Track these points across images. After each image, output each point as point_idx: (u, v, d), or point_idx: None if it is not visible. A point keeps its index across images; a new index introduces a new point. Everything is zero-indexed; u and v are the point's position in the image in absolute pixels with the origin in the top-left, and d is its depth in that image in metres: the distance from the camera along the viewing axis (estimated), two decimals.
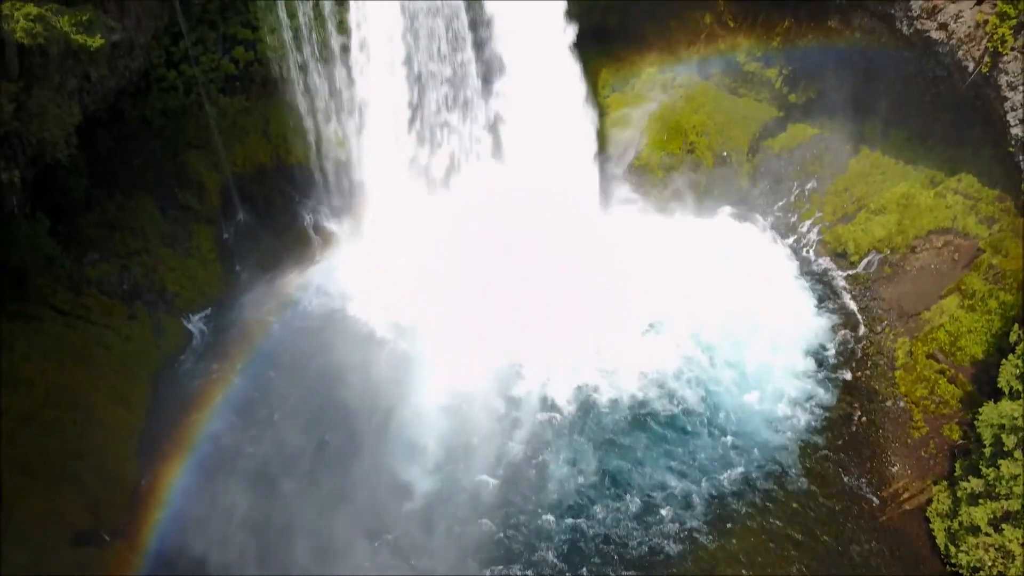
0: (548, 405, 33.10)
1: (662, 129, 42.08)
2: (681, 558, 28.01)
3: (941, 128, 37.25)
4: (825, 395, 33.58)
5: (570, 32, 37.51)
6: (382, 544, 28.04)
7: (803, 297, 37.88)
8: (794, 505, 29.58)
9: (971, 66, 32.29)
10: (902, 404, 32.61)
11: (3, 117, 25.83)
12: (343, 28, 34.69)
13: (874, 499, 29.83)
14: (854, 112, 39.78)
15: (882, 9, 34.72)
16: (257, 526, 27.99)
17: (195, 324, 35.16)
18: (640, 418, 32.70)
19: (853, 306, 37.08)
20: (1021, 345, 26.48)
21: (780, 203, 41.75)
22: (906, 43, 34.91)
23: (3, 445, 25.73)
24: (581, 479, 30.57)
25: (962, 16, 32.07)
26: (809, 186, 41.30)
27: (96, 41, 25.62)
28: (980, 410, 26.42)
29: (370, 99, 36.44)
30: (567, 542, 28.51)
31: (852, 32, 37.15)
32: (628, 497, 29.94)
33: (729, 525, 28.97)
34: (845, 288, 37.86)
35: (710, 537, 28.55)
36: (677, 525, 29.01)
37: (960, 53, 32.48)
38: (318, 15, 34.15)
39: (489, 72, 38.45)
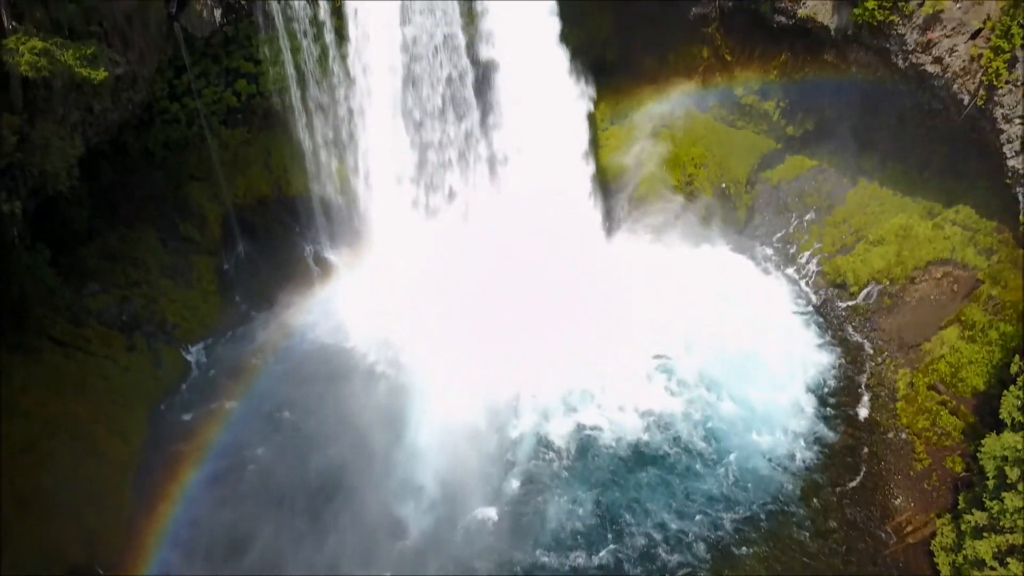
0: (546, 443, 32.72)
1: (661, 161, 42.33)
2: None
3: (938, 160, 37.47)
4: (827, 429, 33.34)
5: (573, 84, 38.41)
6: None
7: (803, 329, 37.81)
8: (797, 541, 29.24)
9: (966, 99, 32.59)
10: (904, 436, 32.40)
11: (6, 149, 26.05)
12: (344, 62, 35.11)
13: (878, 533, 29.52)
14: (852, 144, 40.07)
15: (877, 43, 35.11)
16: (252, 562, 27.67)
17: (194, 355, 35.11)
18: (641, 457, 32.29)
19: (853, 337, 36.99)
20: (1022, 376, 26.35)
21: (779, 234, 41.88)
22: (902, 76, 35.26)
23: (0, 476, 25.59)
24: (580, 519, 30.10)
25: (956, 50, 32.42)
26: (808, 217, 41.45)
27: (100, 74, 25.89)
28: (982, 442, 26.21)
29: (371, 132, 36.75)
30: None
31: (848, 66, 37.53)
32: (628, 537, 29.46)
33: (731, 564, 28.55)
34: (845, 319, 37.80)
35: None
36: (678, 566, 28.52)
37: (955, 86, 32.79)
38: (320, 49, 34.55)
39: (489, 106, 38.83)
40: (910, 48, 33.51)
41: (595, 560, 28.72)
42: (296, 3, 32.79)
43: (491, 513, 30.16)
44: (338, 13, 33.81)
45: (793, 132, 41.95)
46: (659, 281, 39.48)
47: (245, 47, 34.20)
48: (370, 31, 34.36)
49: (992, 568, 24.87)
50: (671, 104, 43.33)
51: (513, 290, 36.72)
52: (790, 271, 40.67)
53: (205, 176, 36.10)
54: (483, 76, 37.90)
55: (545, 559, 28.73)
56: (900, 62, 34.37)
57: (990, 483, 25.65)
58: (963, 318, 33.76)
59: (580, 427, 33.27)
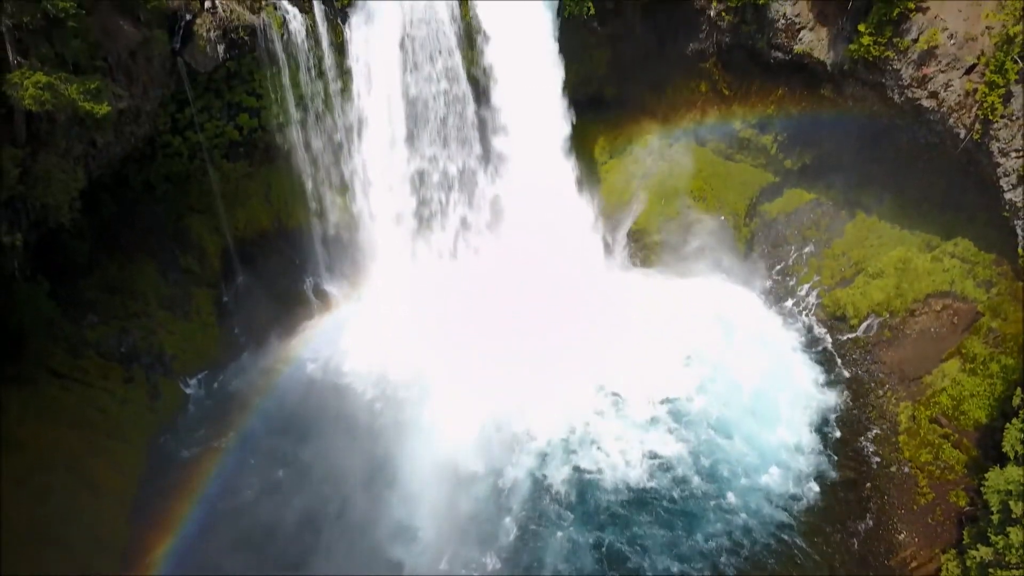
0: (545, 487, 32.27)
1: (660, 194, 42.56)
2: None
3: (936, 193, 37.64)
4: (830, 465, 33.06)
5: (567, 124, 38.89)
6: None
7: (804, 362, 37.67)
8: None
9: (963, 133, 32.83)
10: (907, 470, 32.12)
11: (8, 181, 26.15)
12: (346, 97, 35.48)
13: (883, 570, 29.10)
14: (849, 177, 40.32)
15: (873, 78, 35.48)
16: None
17: (192, 387, 34.99)
18: (643, 499, 31.84)
19: (854, 370, 36.84)
20: None
21: (778, 267, 41.93)
22: (898, 111, 35.57)
23: None
24: (579, 562, 29.61)
25: (951, 85, 32.75)
26: (807, 250, 41.54)
27: (103, 108, 26.05)
28: (986, 476, 25.93)
29: (371, 166, 37.03)
30: None
31: (845, 100, 37.90)
32: None
33: None
34: (845, 352, 37.69)
35: None
36: None
37: (952, 120, 33.06)
38: (322, 84, 34.93)
39: (489, 141, 39.15)
40: (906, 83, 33.86)
41: None
42: (298, 39, 33.23)
43: (490, 554, 29.76)
44: (340, 49, 34.25)
45: (791, 165, 42.21)
46: (659, 315, 39.41)
47: (247, 82, 34.56)
48: (372, 69, 34.81)
49: None
50: (670, 138, 43.69)
51: (512, 324, 36.70)
52: (790, 303, 40.63)
53: (206, 209, 36.27)
54: (483, 111, 38.33)
55: None
56: (896, 97, 34.70)
57: (995, 518, 25.33)
58: (964, 351, 33.66)
59: (579, 469, 32.83)
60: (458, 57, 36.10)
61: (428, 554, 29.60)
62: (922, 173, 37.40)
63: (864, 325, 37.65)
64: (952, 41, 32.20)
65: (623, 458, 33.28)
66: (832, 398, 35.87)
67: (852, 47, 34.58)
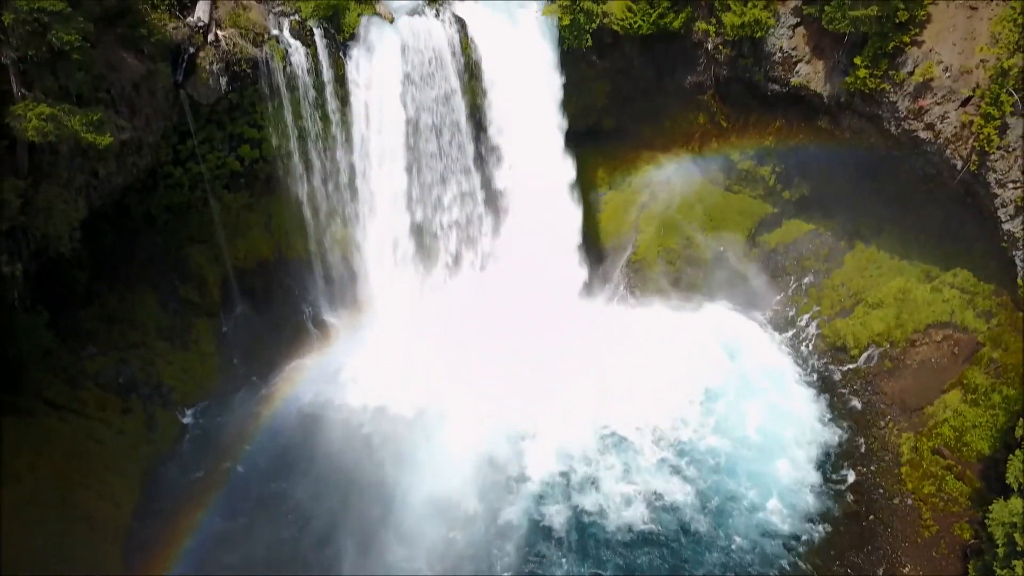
0: (543, 527, 31.79)
1: (659, 225, 42.70)
2: None
3: (934, 224, 37.74)
4: (832, 498, 32.82)
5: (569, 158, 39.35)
6: None
7: (805, 394, 37.48)
8: None
9: (959, 164, 33.04)
10: (910, 502, 31.85)
11: (9, 212, 26.26)
12: (347, 129, 35.76)
13: None
14: (848, 208, 40.44)
15: (870, 110, 35.80)
16: None
17: (190, 418, 34.74)
18: (645, 541, 31.34)
19: (856, 401, 36.67)
20: None
21: (778, 297, 41.92)
22: (895, 142, 35.83)
23: None
24: None
25: (948, 117, 33.03)
26: (806, 280, 41.55)
27: (105, 140, 26.20)
28: (990, 508, 25.70)
29: (371, 197, 37.21)
30: None
31: (842, 132, 38.19)
32: None
33: None
34: (847, 383, 37.52)
35: None
36: None
37: (948, 152, 33.28)
38: (323, 116, 35.23)
39: (490, 173, 39.41)
40: (902, 115, 34.15)
41: None
42: (300, 72, 33.58)
43: None
44: (341, 81, 34.59)
45: (790, 196, 42.39)
46: (659, 347, 39.24)
47: (249, 113, 34.82)
48: (373, 101, 35.13)
49: None
50: (668, 169, 43.91)
51: (511, 359, 36.65)
52: (790, 334, 40.56)
53: (206, 239, 36.32)
54: (484, 142, 38.63)
55: None
56: (893, 128, 34.97)
57: (1000, 551, 25.04)
58: (965, 381, 33.55)
59: (579, 510, 32.36)
60: (459, 90, 36.49)
61: None
62: (920, 204, 37.55)
63: (864, 356, 37.55)
64: (947, 74, 32.55)
65: (625, 499, 32.81)
66: (835, 430, 35.66)
67: (848, 80, 34.94)
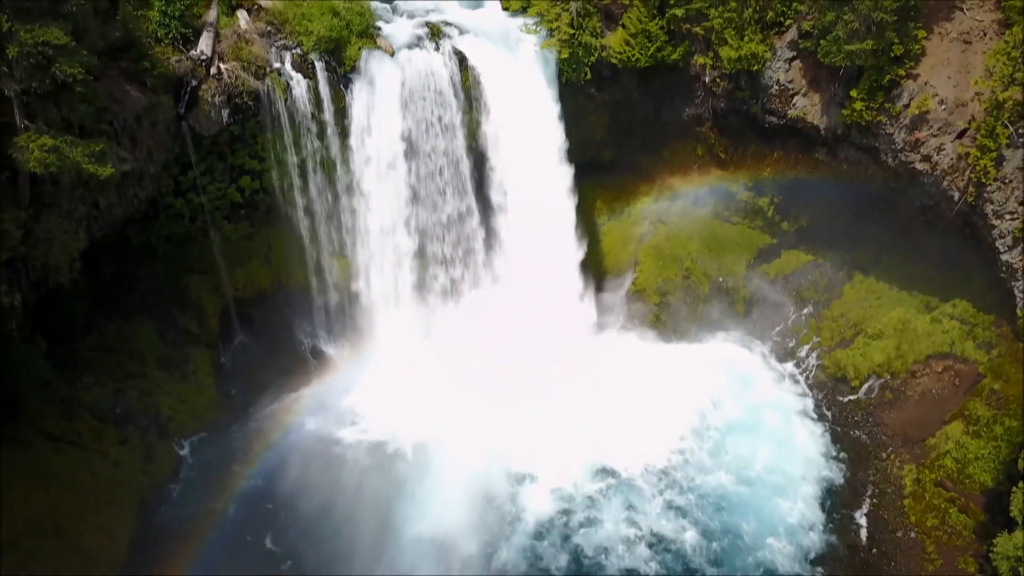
0: (541, 570, 31.26)
1: (658, 256, 42.78)
2: None
3: (933, 254, 37.81)
4: (836, 533, 32.48)
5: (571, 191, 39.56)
6: None
7: (807, 427, 37.23)
8: None
9: (957, 196, 33.19)
10: (913, 535, 31.52)
11: (10, 243, 26.29)
12: (347, 160, 35.98)
13: None
14: (846, 239, 40.56)
15: (867, 142, 36.05)
16: None
17: (187, 449, 34.51)
18: None
19: (857, 433, 36.45)
20: None
21: (778, 328, 41.85)
22: (892, 174, 36.03)
23: None
24: None
25: (944, 149, 33.25)
26: (806, 311, 41.53)
27: (107, 171, 26.24)
28: (995, 541, 25.48)
29: (370, 228, 37.34)
30: None
31: (839, 163, 38.43)
32: None
33: None
34: (848, 414, 37.33)
35: None
36: None
37: (945, 183, 33.45)
38: (323, 147, 35.46)
39: (489, 204, 39.55)
40: (899, 147, 34.38)
41: None
42: (301, 104, 33.87)
43: None
44: (342, 113, 34.88)
45: (788, 227, 42.54)
46: (659, 380, 38.96)
47: (250, 145, 35.05)
48: (373, 133, 35.39)
49: None
50: (667, 200, 44.14)
51: (511, 389, 36.48)
52: (790, 365, 40.44)
53: (206, 269, 36.36)
54: (484, 173, 38.82)
55: None
56: (890, 160, 35.20)
57: None
58: (967, 412, 33.38)
59: (579, 551, 31.87)
60: (458, 122, 36.73)
61: None
62: (919, 235, 37.66)
63: (865, 387, 37.41)
64: (943, 106, 32.84)
65: (626, 540, 32.32)
66: (837, 463, 35.41)
67: (845, 112, 35.23)
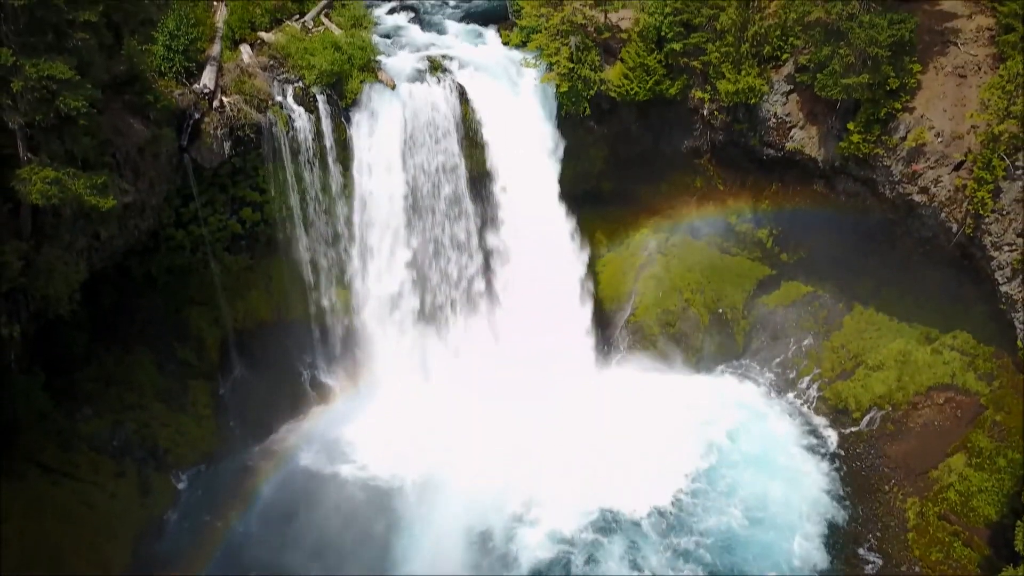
0: None
1: (657, 287, 42.79)
2: None
3: (932, 285, 37.83)
4: (842, 570, 32.00)
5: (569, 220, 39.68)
6: None
7: (809, 460, 36.87)
8: None
9: (955, 227, 33.33)
10: (917, 569, 31.21)
11: (10, 274, 26.30)
12: (348, 193, 36.19)
13: None
14: (845, 270, 40.57)
15: (865, 174, 36.29)
16: None
17: (185, 482, 34.28)
18: None
19: (859, 465, 36.19)
20: None
21: (778, 359, 41.74)
22: (890, 206, 36.23)
23: None
24: None
25: (941, 181, 33.45)
26: (806, 342, 41.44)
27: (108, 203, 26.36)
28: None
29: (371, 259, 37.44)
30: None
31: (838, 195, 38.66)
32: None
33: None
34: (849, 447, 37.09)
35: None
36: None
37: (943, 215, 33.61)
38: (325, 180, 35.69)
39: (490, 236, 39.67)
40: (897, 179, 34.59)
41: None
42: (303, 137, 34.17)
43: None
44: (343, 146, 35.17)
45: (787, 259, 42.58)
46: (658, 414, 38.70)
47: (252, 177, 35.28)
48: (374, 166, 35.64)
49: None
50: (666, 232, 44.24)
51: (510, 423, 36.33)
52: (791, 396, 40.28)
53: (206, 300, 36.38)
54: (484, 206, 38.98)
55: None
56: (888, 192, 35.40)
57: None
58: (969, 445, 33.22)
59: None
60: (459, 155, 37.01)
61: None
62: (918, 266, 37.72)
63: (867, 418, 37.24)
64: (939, 139, 33.11)
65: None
66: (839, 496, 35.07)
67: (842, 144, 35.50)
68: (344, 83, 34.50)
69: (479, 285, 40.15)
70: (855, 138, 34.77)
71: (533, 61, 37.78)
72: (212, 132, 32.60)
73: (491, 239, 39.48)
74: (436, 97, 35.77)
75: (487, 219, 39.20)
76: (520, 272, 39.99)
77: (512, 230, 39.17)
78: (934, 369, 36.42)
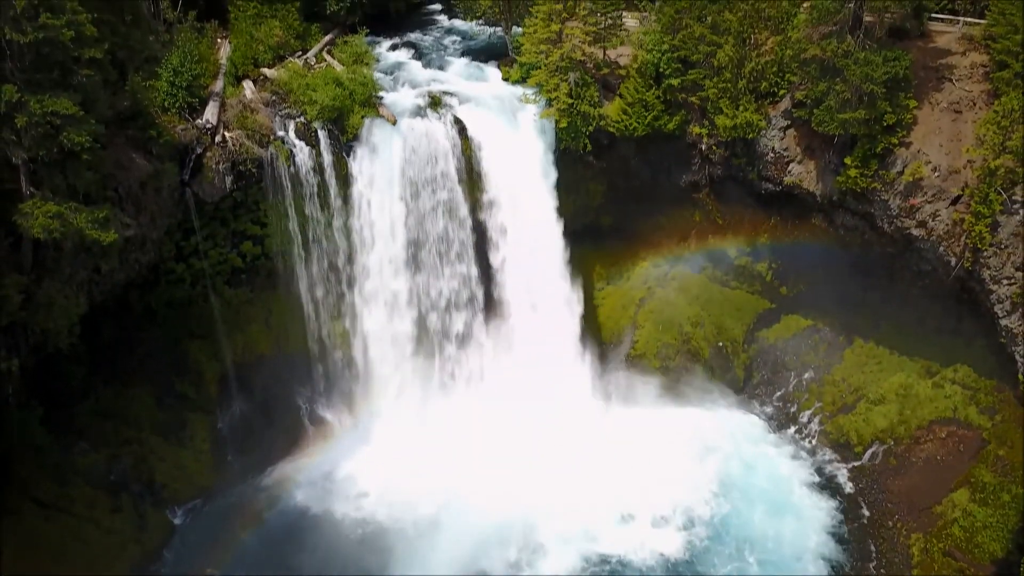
0: None
1: (657, 320, 42.75)
2: None
3: (932, 319, 37.80)
4: None
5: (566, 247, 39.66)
6: None
7: (811, 496, 36.50)
8: None
9: (953, 261, 33.41)
10: None
11: (10, 308, 26.32)
12: (348, 226, 36.31)
13: None
14: (845, 303, 40.55)
15: (863, 208, 36.47)
16: None
17: (181, 517, 34.03)
18: None
19: (862, 501, 35.80)
20: None
21: (778, 393, 41.55)
22: (889, 239, 36.34)
23: None
24: None
25: (939, 215, 33.61)
26: (806, 376, 41.27)
27: (110, 236, 26.47)
28: None
29: (372, 295, 37.47)
30: None
31: (836, 229, 38.82)
32: None
33: None
34: (852, 481, 36.71)
35: None
36: None
37: (942, 249, 33.71)
38: (325, 214, 35.81)
39: (489, 272, 39.68)
40: (895, 213, 34.76)
41: None
42: (304, 171, 34.37)
43: None
44: (344, 180, 35.37)
45: (787, 292, 42.62)
46: (658, 449, 38.36)
47: (253, 211, 35.46)
48: (374, 200, 35.84)
49: None
50: (666, 265, 44.31)
51: (509, 459, 36.02)
52: (792, 430, 40.00)
53: (206, 334, 36.33)
54: (483, 239, 39.07)
55: None
56: (886, 226, 35.54)
57: None
58: (972, 479, 32.93)
59: None
60: (459, 189, 37.17)
61: None
62: (917, 299, 37.73)
63: (869, 452, 36.95)
64: (936, 174, 33.33)
65: None
66: (842, 533, 34.63)
67: (840, 179, 35.73)
68: (345, 118, 34.83)
69: (478, 318, 40.07)
70: (852, 172, 35.00)
71: (533, 97, 38.14)
72: (214, 167, 32.85)
73: (491, 272, 39.47)
74: (436, 133, 36.07)
75: (487, 252, 39.22)
76: (519, 306, 39.95)
77: (512, 263, 39.20)
78: (935, 403, 36.23)
